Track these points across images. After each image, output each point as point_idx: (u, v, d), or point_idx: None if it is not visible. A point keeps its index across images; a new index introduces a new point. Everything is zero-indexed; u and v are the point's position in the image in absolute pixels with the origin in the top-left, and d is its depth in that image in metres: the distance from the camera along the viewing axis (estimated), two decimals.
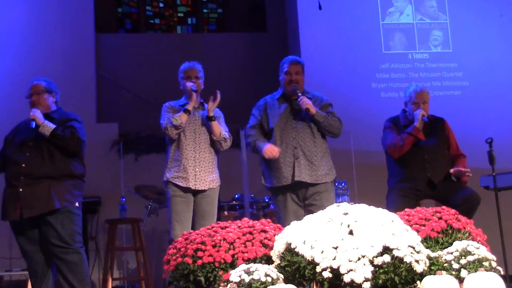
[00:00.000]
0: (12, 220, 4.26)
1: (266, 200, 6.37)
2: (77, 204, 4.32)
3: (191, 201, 4.70)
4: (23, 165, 4.23)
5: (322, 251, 2.76)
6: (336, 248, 2.75)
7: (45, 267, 4.30)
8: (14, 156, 4.28)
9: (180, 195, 4.68)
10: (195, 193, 4.69)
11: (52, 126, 4.27)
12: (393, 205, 4.51)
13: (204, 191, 4.69)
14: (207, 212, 4.69)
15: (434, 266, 2.86)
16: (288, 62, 4.77)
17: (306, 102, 4.54)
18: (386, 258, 2.68)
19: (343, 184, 5.95)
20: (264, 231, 3.27)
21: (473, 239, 3.16)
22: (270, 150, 4.55)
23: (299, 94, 4.59)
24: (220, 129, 4.73)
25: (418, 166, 4.82)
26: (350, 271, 2.65)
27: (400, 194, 4.78)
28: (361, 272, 2.64)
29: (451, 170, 4.79)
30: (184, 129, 4.73)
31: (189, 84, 4.75)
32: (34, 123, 4.24)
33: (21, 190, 4.18)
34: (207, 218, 4.65)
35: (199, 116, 4.80)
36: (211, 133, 4.73)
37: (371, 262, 2.68)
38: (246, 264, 2.98)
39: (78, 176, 4.38)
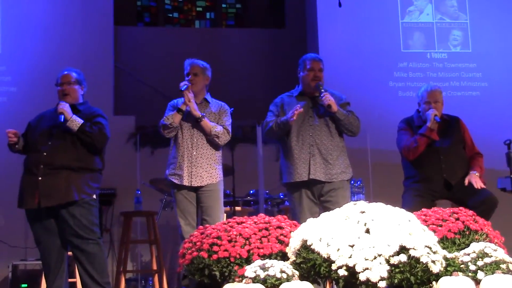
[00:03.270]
0: (28, 209, 4.26)
1: (281, 196, 6.37)
2: (94, 197, 4.33)
3: (192, 197, 4.70)
4: (44, 153, 4.22)
5: (338, 249, 2.76)
6: (352, 246, 2.75)
7: (59, 258, 4.30)
8: (36, 144, 4.27)
9: (180, 192, 4.70)
10: (196, 189, 4.70)
11: (80, 121, 4.27)
12: (409, 205, 4.49)
13: (202, 186, 4.68)
14: (210, 208, 4.68)
15: (451, 267, 2.84)
16: (310, 59, 4.76)
17: (328, 99, 4.54)
18: (403, 257, 2.68)
19: (358, 183, 5.94)
20: (280, 228, 3.28)
21: (490, 241, 3.15)
22: (296, 112, 4.50)
23: (322, 90, 4.58)
24: (210, 126, 4.67)
25: (434, 167, 4.78)
26: (366, 270, 2.65)
27: (416, 194, 4.76)
28: (377, 271, 2.63)
29: (465, 180, 4.74)
30: (182, 126, 4.73)
31: (180, 84, 4.72)
32: (62, 116, 4.24)
33: (40, 179, 4.17)
34: (211, 213, 4.65)
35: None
36: (203, 132, 4.72)
37: (387, 261, 2.68)
38: (262, 260, 2.98)
39: (97, 170, 4.39)
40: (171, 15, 10.53)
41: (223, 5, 10.66)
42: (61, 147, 4.26)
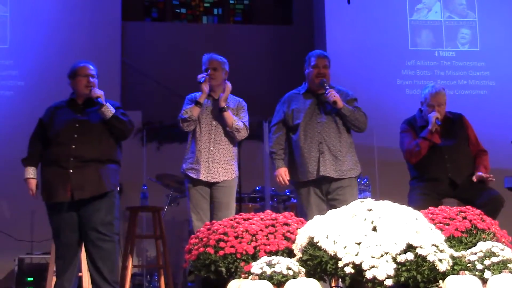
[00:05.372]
0: (57, 202, 4.21)
1: (287, 193, 6.37)
2: (118, 189, 4.37)
3: (206, 192, 4.71)
4: (73, 146, 4.20)
5: (345, 247, 2.76)
6: (359, 244, 2.75)
7: (75, 252, 4.28)
8: (60, 138, 4.24)
9: (195, 187, 4.70)
10: (211, 184, 4.70)
11: (113, 109, 4.29)
12: (415, 204, 4.46)
13: (218, 182, 4.69)
14: (223, 203, 4.69)
15: (457, 266, 2.84)
16: (315, 56, 4.75)
17: (334, 95, 4.53)
18: (409, 256, 2.67)
19: (365, 180, 5.94)
20: (287, 224, 3.27)
21: (497, 240, 3.14)
22: (280, 178, 4.69)
23: (327, 87, 4.57)
24: (233, 119, 4.69)
25: (438, 166, 4.76)
26: (373, 268, 2.65)
27: (422, 192, 4.75)
28: (384, 269, 2.63)
29: (474, 178, 4.71)
30: (200, 121, 4.73)
31: (198, 76, 4.73)
32: (100, 100, 4.25)
33: (71, 171, 4.16)
34: (223, 209, 4.65)
35: (217, 108, 4.77)
36: (224, 123, 4.72)
37: (394, 259, 2.68)
38: (268, 256, 2.98)
39: (119, 161, 4.41)
40: (178, 10, 10.54)
41: (231, 1, 10.66)
42: (88, 140, 4.24)
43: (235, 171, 4.78)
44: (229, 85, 4.75)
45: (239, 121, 4.74)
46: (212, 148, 4.69)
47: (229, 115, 4.69)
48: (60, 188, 4.16)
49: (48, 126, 4.33)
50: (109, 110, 4.27)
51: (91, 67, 4.43)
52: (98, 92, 4.28)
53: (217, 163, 4.68)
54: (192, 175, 4.69)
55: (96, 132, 4.27)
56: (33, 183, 4.30)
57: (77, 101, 4.39)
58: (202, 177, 4.65)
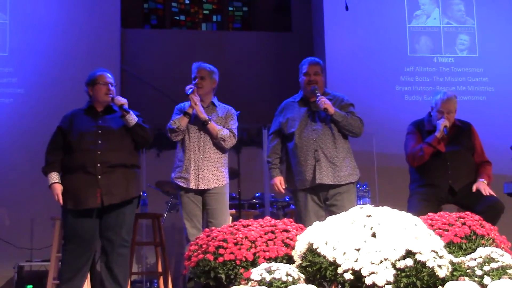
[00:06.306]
0: (86, 208, 4.19)
1: (287, 199, 6.38)
2: (141, 193, 4.44)
3: (199, 200, 4.71)
4: (99, 152, 4.21)
5: (344, 253, 2.76)
6: (358, 250, 2.75)
7: (87, 259, 4.26)
8: (83, 144, 4.24)
9: (187, 195, 4.71)
10: (202, 192, 4.70)
11: (135, 116, 4.34)
12: (415, 209, 4.47)
13: (209, 189, 4.69)
14: (216, 210, 4.69)
15: (457, 272, 2.84)
16: (307, 63, 4.76)
17: (324, 102, 4.52)
18: (409, 262, 2.67)
19: (364, 186, 5.93)
20: (286, 231, 3.28)
21: (497, 246, 3.15)
22: (276, 187, 4.73)
23: (318, 94, 4.57)
24: (217, 130, 4.68)
25: (440, 172, 4.76)
26: (372, 274, 2.65)
27: (421, 198, 4.75)
28: (383, 275, 2.63)
29: (474, 187, 4.71)
30: (189, 130, 4.73)
31: (186, 88, 4.72)
32: (125, 107, 4.30)
33: (99, 177, 4.17)
34: (216, 216, 4.66)
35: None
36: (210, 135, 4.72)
37: (393, 265, 2.68)
38: (268, 263, 2.98)
39: (140, 167, 4.46)
40: (178, 18, 10.55)
41: (230, 8, 10.68)
42: (112, 145, 4.27)
43: (225, 178, 4.77)
44: (197, 98, 4.70)
45: (224, 130, 4.72)
46: (201, 156, 4.69)
47: (212, 127, 4.68)
48: (89, 194, 4.17)
49: (68, 133, 4.32)
50: (133, 117, 4.32)
51: (109, 75, 4.47)
52: (122, 100, 4.33)
53: (207, 170, 4.68)
54: (182, 184, 4.69)
55: (118, 138, 4.31)
56: (59, 188, 4.27)
57: (96, 108, 4.41)
58: (192, 185, 4.66)
